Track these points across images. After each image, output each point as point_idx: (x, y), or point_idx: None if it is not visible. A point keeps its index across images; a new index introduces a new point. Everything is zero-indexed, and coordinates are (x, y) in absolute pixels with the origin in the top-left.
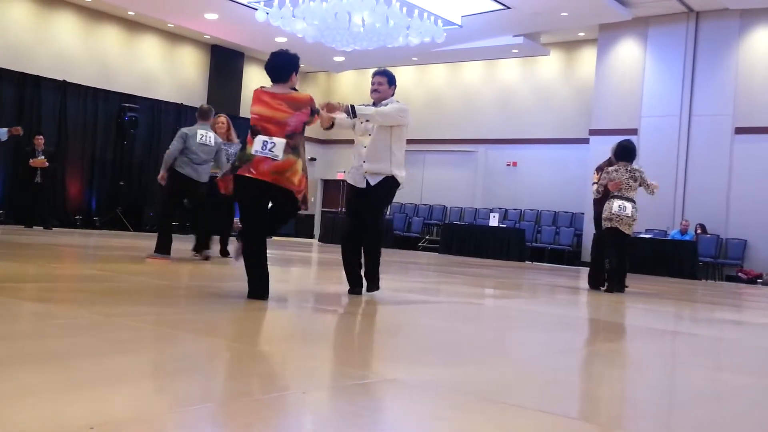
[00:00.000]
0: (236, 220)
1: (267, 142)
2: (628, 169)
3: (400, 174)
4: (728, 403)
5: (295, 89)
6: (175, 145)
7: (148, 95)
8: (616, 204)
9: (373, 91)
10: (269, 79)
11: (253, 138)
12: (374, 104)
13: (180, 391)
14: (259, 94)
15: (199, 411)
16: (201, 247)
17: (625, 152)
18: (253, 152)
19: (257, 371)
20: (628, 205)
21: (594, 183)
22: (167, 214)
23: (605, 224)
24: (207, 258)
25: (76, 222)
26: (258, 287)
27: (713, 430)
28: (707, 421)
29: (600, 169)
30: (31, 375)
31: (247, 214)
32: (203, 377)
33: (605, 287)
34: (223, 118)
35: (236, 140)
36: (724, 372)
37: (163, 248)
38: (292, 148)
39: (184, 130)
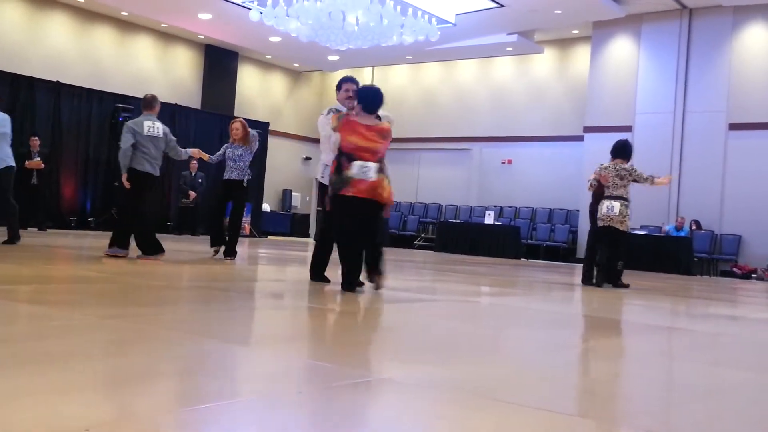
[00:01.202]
0: (226, 219)
1: (363, 166)
2: (617, 168)
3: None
4: (725, 399)
5: (379, 117)
6: (125, 140)
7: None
8: (605, 206)
9: (348, 98)
10: (362, 106)
11: (349, 163)
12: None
13: (176, 392)
14: (354, 125)
15: (195, 412)
16: (145, 249)
17: (619, 150)
18: (351, 175)
19: (253, 371)
20: (616, 204)
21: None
22: (136, 215)
23: (599, 224)
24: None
25: (71, 223)
26: (354, 281)
27: (710, 425)
28: (704, 417)
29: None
30: (26, 377)
31: (349, 225)
32: (199, 378)
33: (594, 281)
34: (237, 123)
35: (254, 144)
36: (721, 367)
37: (151, 249)
38: (381, 169)
39: (130, 123)
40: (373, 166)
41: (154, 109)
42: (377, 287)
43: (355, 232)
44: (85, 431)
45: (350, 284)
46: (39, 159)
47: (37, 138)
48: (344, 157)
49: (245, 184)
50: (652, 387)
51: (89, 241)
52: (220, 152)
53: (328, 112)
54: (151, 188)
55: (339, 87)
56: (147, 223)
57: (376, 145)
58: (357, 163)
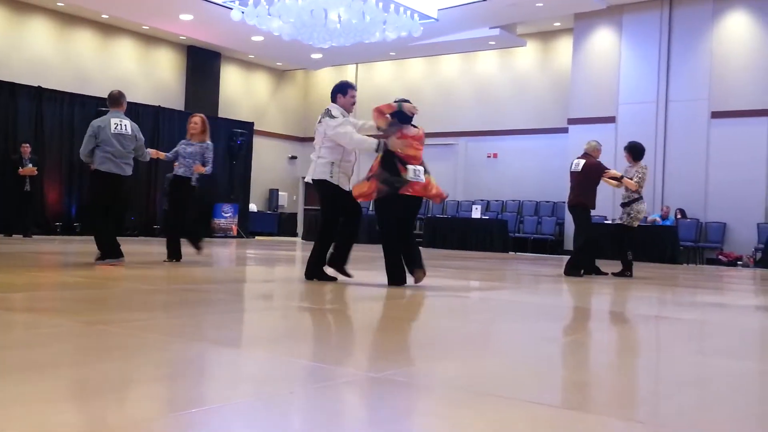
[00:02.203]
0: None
1: (416, 170)
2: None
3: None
4: (713, 387)
5: (415, 126)
6: (85, 145)
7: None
8: (644, 205)
9: (353, 104)
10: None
11: (405, 167)
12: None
13: (166, 397)
14: (407, 139)
15: (187, 417)
16: (105, 252)
17: (642, 152)
18: (408, 178)
19: (244, 373)
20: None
21: (615, 177)
22: (96, 219)
23: (636, 223)
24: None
25: (56, 229)
26: (402, 277)
27: (698, 413)
28: (692, 405)
29: (599, 166)
30: (15, 385)
31: (407, 221)
32: (190, 382)
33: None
34: (197, 118)
35: (208, 140)
36: (709, 355)
37: (111, 253)
38: (427, 171)
39: (96, 121)
40: (420, 168)
41: (122, 105)
42: (418, 281)
43: (405, 229)
44: None
45: (402, 279)
46: (32, 165)
47: (28, 145)
48: (398, 160)
49: (193, 182)
50: (641, 377)
51: (75, 247)
52: (175, 149)
53: (341, 116)
54: (116, 189)
55: (343, 91)
56: (106, 225)
57: (419, 152)
58: (410, 167)
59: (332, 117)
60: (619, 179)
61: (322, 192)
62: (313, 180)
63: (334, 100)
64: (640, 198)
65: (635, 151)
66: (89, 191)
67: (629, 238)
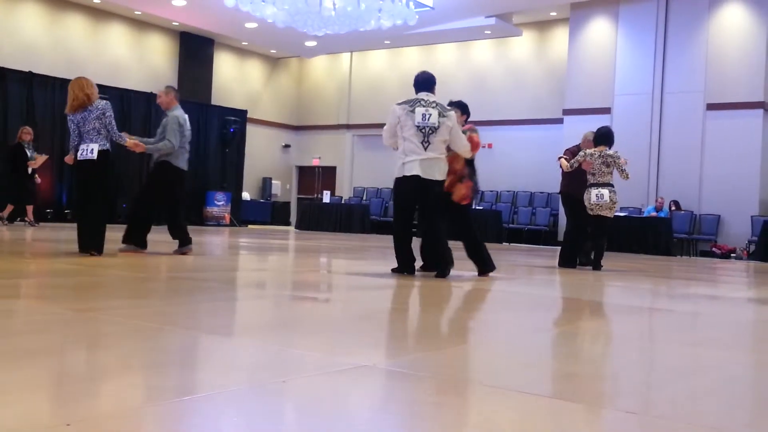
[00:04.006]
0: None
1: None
2: (602, 154)
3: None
4: (704, 378)
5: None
6: (177, 135)
7: (117, 84)
8: (593, 194)
9: None
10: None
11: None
12: None
13: (158, 385)
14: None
15: (178, 405)
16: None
17: (603, 137)
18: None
19: (236, 362)
20: (605, 191)
21: (561, 157)
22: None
23: (589, 212)
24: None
25: (47, 215)
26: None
27: (690, 403)
28: (684, 396)
29: (571, 153)
30: (4, 373)
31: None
32: (181, 370)
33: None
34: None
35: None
36: (701, 347)
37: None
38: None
39: (183, 114)
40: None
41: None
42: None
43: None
44: (66, 426)
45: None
46: (43, 155)
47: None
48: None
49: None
50: (633, 368)
51: (66, 234)
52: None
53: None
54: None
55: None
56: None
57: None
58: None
59: (450, 112)
60: (565, 162)
61: (439, 190)
62: (435, 180)
63: (433, 91)
64: (588, 186)
65: (595, 135)
66: (159, 185)
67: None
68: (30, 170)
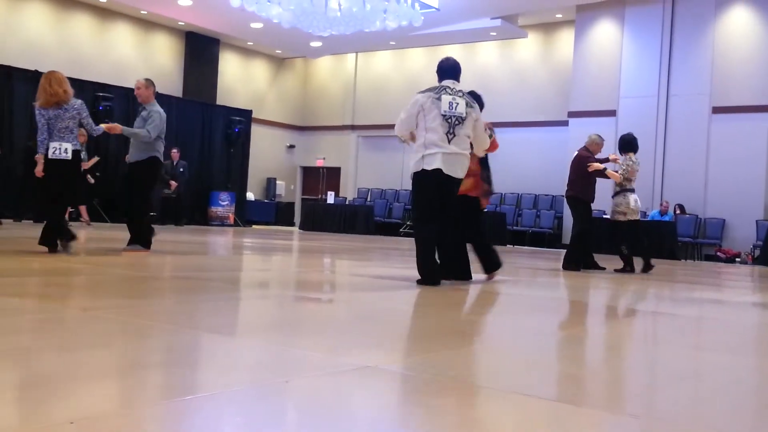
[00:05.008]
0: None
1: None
2: (636, 161)
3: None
4: (708, 381)
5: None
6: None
7: (123, 84)
8: (632, 199)
9: None
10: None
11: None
12: None
13: (160, 384)
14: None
15: (180, 404)
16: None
17: (632, 144)
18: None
19: (239, 362)
20: (637, 197)
21: (605, 170)
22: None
23: (621, 217)
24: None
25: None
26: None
27: (693, 407)
28: (687, 399)
29: (585, 159)
30: (7, 371)
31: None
32: (184, 369)
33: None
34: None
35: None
36: (705, 351)
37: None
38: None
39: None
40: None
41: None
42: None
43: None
44: (69, 424)
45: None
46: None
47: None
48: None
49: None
50: (637, 371)
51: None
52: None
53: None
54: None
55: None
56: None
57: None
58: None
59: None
60: (602, 171)
61: (456, 189)
62: (457, 178)
63: (459, 79)
64: (622, 191)
65: (623, 143)
66: (143, 179)
67: (619, 232)
68: (83, 171)
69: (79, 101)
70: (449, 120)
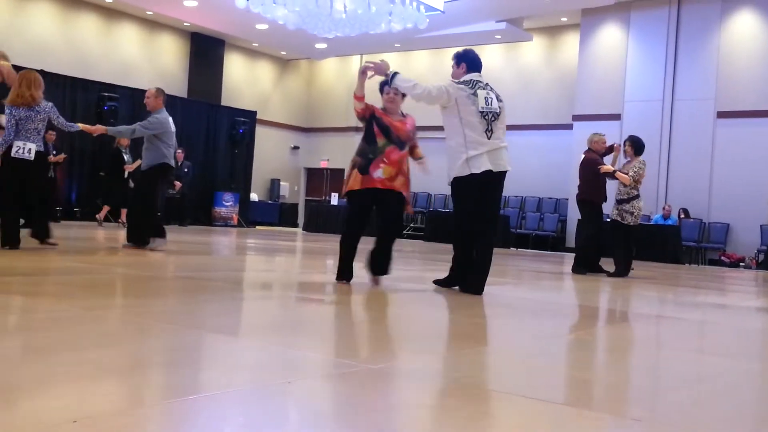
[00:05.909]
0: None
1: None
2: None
3: (450, 166)
4: (711, 385)
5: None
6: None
7: (128, 84)
8: (642, 203)
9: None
10: None
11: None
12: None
13: (164, 384)
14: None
15: (182, 404)
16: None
17: (642, 148)
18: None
19: (240, 362)
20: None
21: (615, 171)
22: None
23: (633, 221)
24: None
25: (57, 213)
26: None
27: (695, 410)
28: (690, 403)
29: (594, 162)
30: (11, 370)
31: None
32: (187, 369)
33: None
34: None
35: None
36: (708, 355)
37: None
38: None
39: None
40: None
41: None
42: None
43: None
44: (73, 423)
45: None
46: (62, 154)
47: (53, 132)
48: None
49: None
50: (640, 375)
51: (75, 232)
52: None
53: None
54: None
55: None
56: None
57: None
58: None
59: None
60: (611, 174)
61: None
62: (506, 171)
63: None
64: (637, 196)
65: (637, 146)
66: (153, 183)
67: (628, 235)
68: (126, 174)
69: (50, 104)
70: (486, 117)
